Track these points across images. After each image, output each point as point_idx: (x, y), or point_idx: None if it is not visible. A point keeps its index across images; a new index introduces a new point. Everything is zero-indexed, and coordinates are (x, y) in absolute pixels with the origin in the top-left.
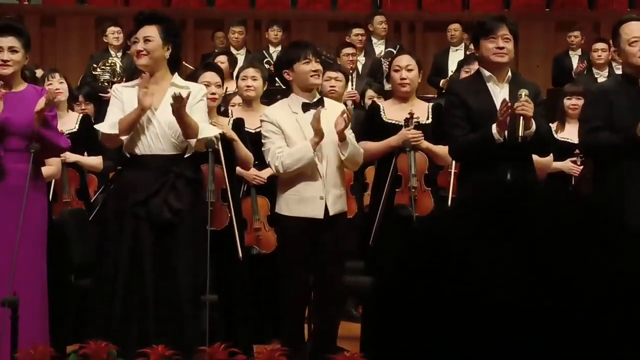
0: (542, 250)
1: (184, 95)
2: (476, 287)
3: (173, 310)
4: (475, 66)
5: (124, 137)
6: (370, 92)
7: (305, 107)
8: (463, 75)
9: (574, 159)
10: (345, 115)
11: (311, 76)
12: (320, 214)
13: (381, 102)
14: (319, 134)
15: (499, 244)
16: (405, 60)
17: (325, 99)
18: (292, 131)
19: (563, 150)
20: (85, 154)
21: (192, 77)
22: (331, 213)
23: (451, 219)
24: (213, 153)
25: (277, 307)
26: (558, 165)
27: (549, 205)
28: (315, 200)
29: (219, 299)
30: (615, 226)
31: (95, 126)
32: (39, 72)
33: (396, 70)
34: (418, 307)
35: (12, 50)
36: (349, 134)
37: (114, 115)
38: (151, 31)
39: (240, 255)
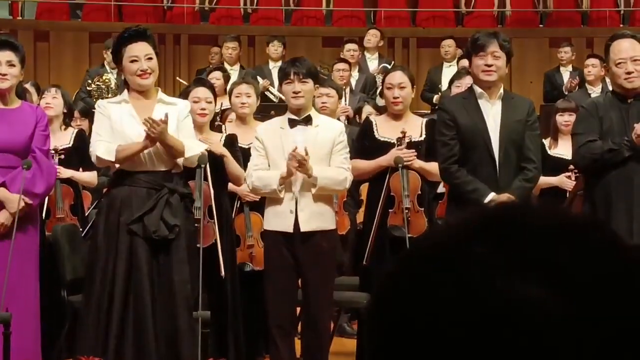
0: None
1: (162, 118)
2: (476, 306)
3: (171, 326)
4: (466, 81)
5: (118, 165)
6: (367, 109)
7: (292, 123)
8: (454, 90)
9: (568, 174)
10: (294, 156)
11: (292, 97)
12: (289, 228)
13: (375, 119)
14: (289, 174)
15: (498, 263)
16: (398, 77)
17: (319, 115)
18: (272, 148)
19: (556, 166)
20: (80, 169)
21: (184, 93)
22: (304, 229)
23: (449, 238)
24: (202, 170)
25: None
26: (552, 180)
27: (549, 225)
28: (285, 214)
29: (210, 316)
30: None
31: (91, 149)
32: (30, 87)
33: (389, 88)
34: (416, 327)
35: (9, 64)
36: (317, 169)
37: (105, 133)
38: (148, 49)
39: (223, 273)
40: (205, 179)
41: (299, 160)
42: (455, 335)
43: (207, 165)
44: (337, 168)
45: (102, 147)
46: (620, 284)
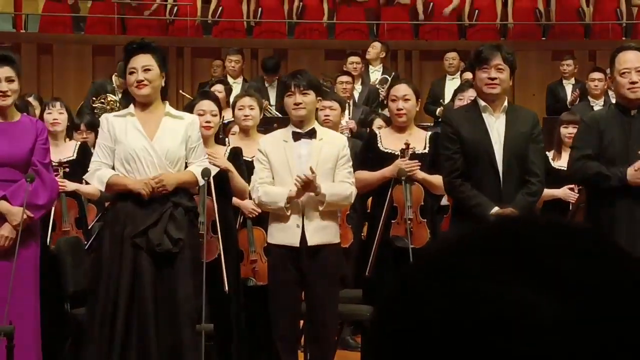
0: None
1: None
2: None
3: (174, 340)
4: (469, 94)
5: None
6: (378, 122)
7: (296, 137)
8: (457, 102)
9: (571, 186)
10: (302, 180)
11: (293, 109)
12: (295, 242)
13: (379, 131)
14: (298, 196)
15: (493, 270)
16: (402, 90)
17: (322, 129)
18: (277, 162)
19: (559, 178)
20: (84, 182)
21: (189, 106)
22: (310, 243)
23: (447, 250)
24: (206, 184)
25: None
26: (556, 192)
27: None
28: (292, 228)
29: (214, 329)
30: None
31: (85, 177)
32: (33, 100)
33: (393, 100)
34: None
35: (9, 80)
36: (324, 187)
37: (103, 154)
38: (148, 60)
39: (226, 288)
40: (209, 193)
41: (305, 182)
42: (452, 345)
43: (211, 179)
44: (342, 183)
45: (95, 177)
46: (617, 289)
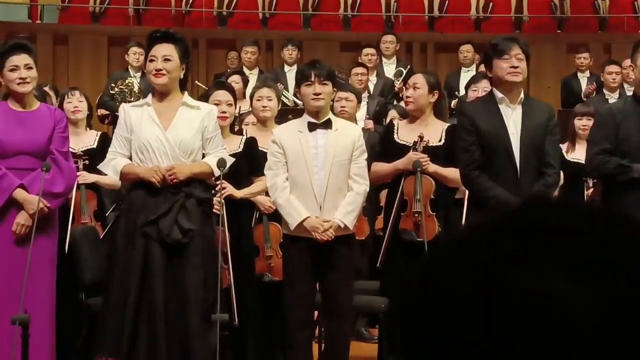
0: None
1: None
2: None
3: (182, 330)
4: (483, 85)
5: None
6: (392, 113)
7: (311, 127)
8: (471, 94)
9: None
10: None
11: (312, 99)
12: (310, 234)
13: (397, 122)
14: (314, 232)
15: (522, 259)
16: (415, 78)
17: (337, 119)
18: (292, 152)
19: (573, 170)
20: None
21: (205, 96)
22: None
23: (473, 238)
24: (221, 175)
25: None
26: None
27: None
28: None
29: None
30: None
31: (99, 166)
32: (49, 90)
33: (406, 89)
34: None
35: (27, 67)
36: (342, 214)
37: (119, 143)
38: (169, 50)
39: (236, 322)
40: (222, 224)
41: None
42: (481, 335)
43: (224, 212)
44: (352, 194)
45: (110, 166)
46: None
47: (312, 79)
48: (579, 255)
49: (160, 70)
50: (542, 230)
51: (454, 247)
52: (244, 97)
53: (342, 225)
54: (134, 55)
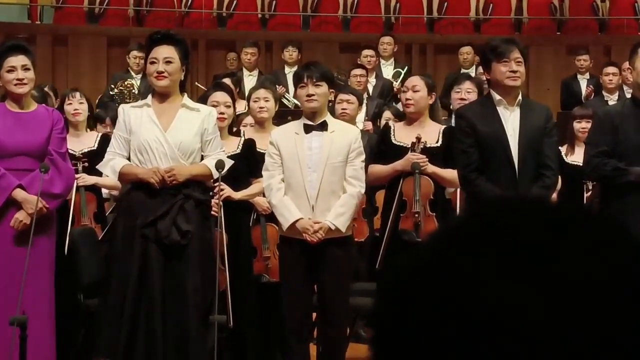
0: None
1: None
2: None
3: (180, 331)
4: (466, 86)
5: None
6: (387, 114)
7: (307, 129)
8: (454, 95)
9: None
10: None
11: (305, 101)
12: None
13: (393, 124)
14: (303, 231)
15: (484, 266)
16: (412, 81)
17: (335, 121)
18: (288, 154)
19: (572, 173)
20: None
21: (203, 97)
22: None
23: (438, 244)
24: (220, 176)
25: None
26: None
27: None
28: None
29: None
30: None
31: (98, 166)
32: (48, 91)
33: (404, 91)
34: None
35: (25, 68)
36: (333, 217)
37: (118, 144)
38: (170, 52)
39: (231, 324)
40: (221, 226)
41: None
42: (445, 345)
43: (222, 215)
44: (348, 196)
45: (109, 166)
46: (613, 283)
47: (305, 81)
48: (543, 265)
49: (162, 72)
50: (497, 236)
51: (419, 255)
52: (238, 97)
53: (332, 227)
54: (135, 59)
